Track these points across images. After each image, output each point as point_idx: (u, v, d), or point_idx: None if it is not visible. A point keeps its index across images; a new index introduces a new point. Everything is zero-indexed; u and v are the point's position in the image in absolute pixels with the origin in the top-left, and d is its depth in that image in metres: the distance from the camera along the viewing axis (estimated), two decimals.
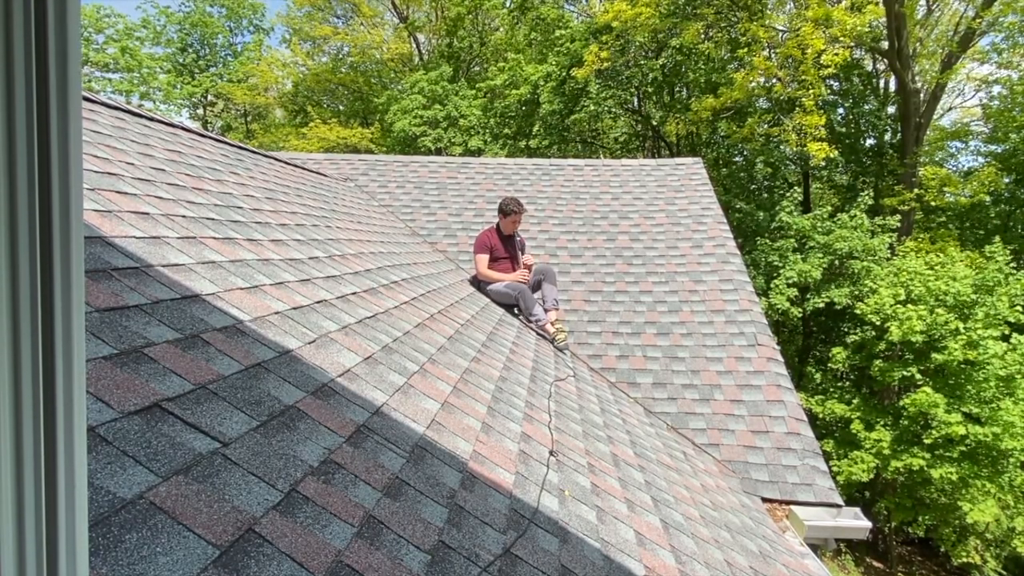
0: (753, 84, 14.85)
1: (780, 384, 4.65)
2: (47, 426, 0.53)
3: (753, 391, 4.61)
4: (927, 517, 10.80)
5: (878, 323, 10.90)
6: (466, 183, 7.67)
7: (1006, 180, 15.11)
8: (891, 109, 16.67)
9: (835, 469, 10.86)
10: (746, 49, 14.60)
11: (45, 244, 0.51)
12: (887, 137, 16.67)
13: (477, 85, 20.38)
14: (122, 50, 23.73)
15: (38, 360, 0.52)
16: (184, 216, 2.53)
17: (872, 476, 10.85)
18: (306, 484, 1.34)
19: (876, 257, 12.44)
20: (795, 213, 13.63)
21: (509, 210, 5.14)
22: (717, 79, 15.93)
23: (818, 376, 13.67)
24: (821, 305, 12.71)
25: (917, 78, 16.47)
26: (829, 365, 12.86)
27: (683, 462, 3.71)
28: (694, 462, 3.87)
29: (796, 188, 15.19)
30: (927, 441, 9.87)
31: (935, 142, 18.39)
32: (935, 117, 18.17)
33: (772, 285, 12.89)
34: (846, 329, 13.39)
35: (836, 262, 12.80)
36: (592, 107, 16.40)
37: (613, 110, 17.81)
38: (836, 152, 14.27)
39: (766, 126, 15.63)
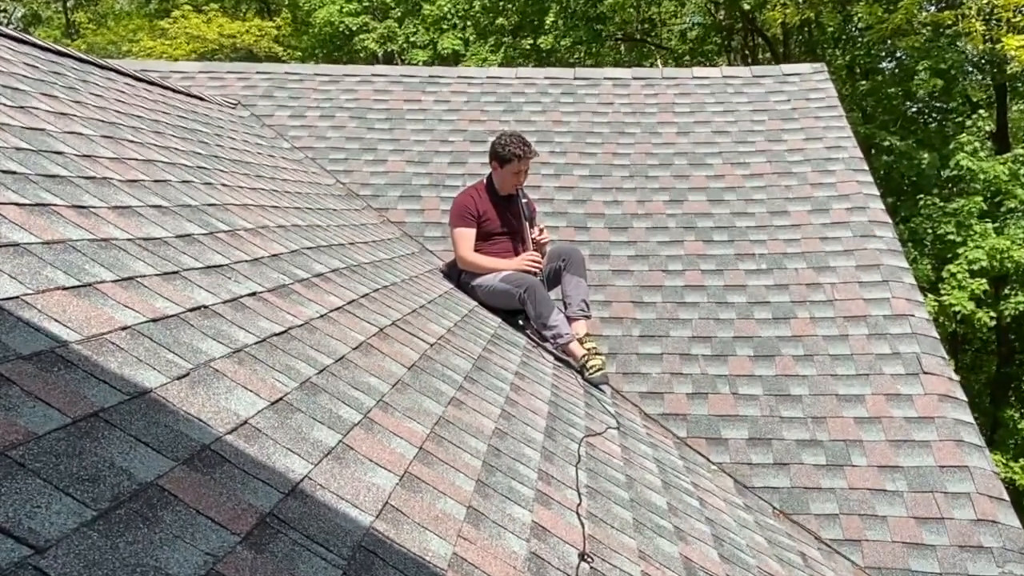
0: None
1: (962, 438, 4.65)
2: None
3: (916, 451, 4.61)
4: None
5: None
6: (436, 110, 7.66)
7: None
8: None
9: None
10: None
11: None
12: None
13: None
14: None
15: None
16: None
17: None
18: None
19: None
20: (982, 154, 13.61)
21: (508, 154, 5.12)
22: None
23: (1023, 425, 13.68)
24: None
25: None
26: None
27: (802, 570, 3.71)
28: (821, 570, 3.86)
29: (983, 113, 15.16)
30: None
31: None
32: None
33: (945, 273, 12.87)
34: None
35: None
36: None
37: None
38: None
39: (933, 9, 15.60)
